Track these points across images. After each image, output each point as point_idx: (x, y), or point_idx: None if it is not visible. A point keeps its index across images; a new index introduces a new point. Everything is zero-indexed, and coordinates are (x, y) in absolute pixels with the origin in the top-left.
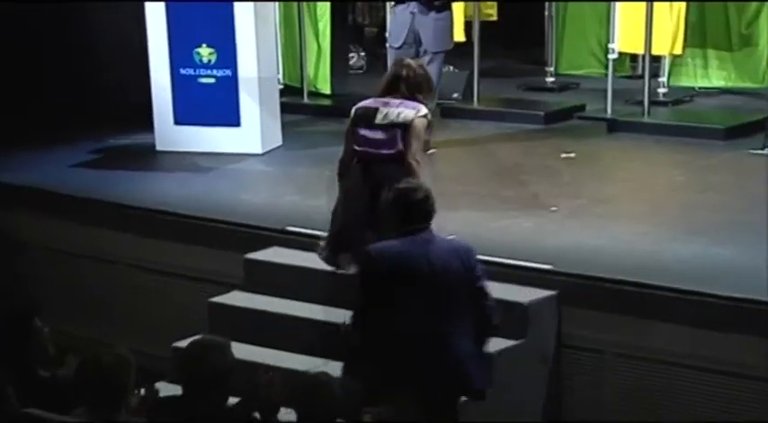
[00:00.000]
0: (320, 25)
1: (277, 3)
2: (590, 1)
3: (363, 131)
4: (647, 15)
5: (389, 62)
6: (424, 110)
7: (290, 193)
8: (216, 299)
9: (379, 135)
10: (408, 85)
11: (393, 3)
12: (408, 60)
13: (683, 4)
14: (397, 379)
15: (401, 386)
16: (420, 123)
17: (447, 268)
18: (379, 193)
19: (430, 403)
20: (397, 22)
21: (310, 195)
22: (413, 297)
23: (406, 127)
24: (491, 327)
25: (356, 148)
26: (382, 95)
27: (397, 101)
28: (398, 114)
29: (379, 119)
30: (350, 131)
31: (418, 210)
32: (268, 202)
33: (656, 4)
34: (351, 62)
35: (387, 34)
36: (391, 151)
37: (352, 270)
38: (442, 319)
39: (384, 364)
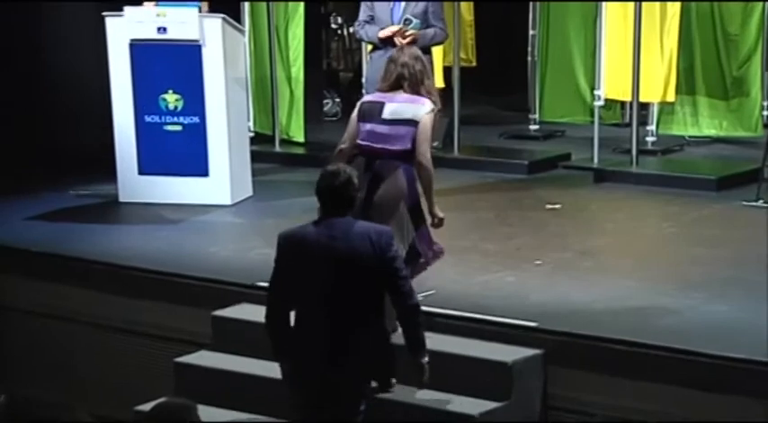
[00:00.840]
0: (293, 70)
1: (247, 46)
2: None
3: (369, 125)
4: (634, 60)
5: None
6: (429, 105)
7: (260, 247)
8: (182, 359)
9: (384, 130)
10: (411, 84)
11: (370, 48)
12: (404, 58)
13: (675, 49)
14: (306, 367)
15: (309, 374)
16: (428, 120)
17: (353, 253)
18: (377, 188)
19: (334, 390)
20: (374, 67)
21: None
22: (315, 282)
23: (414, 124)
24: (409, 307)
25: (360, 142)
26: (386, 91)
27: (404, 96)
28: (406, 111)
29: (386, 114)
30: (354, 123)
31: (335, 196)
32: (237, 256)
33: (645, 48)
34: (325, 109)
35: (363, 80)
36: (396, 147)
37: None
38: (346, 304)
39: (294, 352)
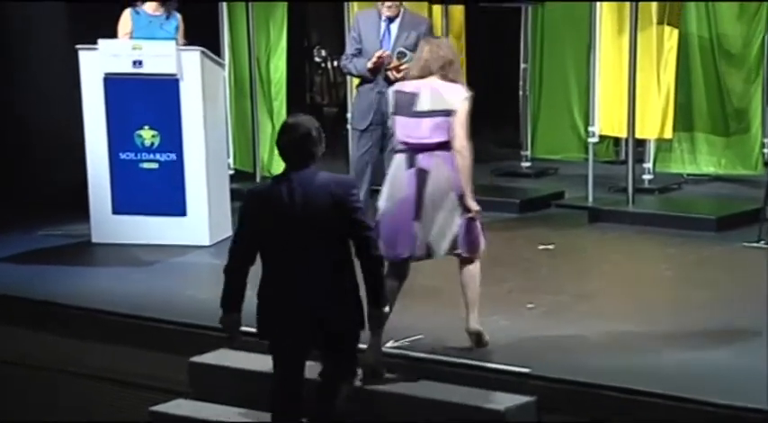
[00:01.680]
0: (275, 104)
1: (227, 80)
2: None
3: (404, 119)
4: (629, 95)
5: (351, 146)
6: (464, 91)
7: None
8: (157, 407)
9: (420, 123)
10: (443, 74)
11: (357, 82)
12: (435, 46)
13: (672, 83)
14: (272, 318)
15: (277, 325)
16: (465, 108)
17: (312, 203)
18: (425, 184)
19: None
20: (362, 102)
21: None
22: (280, 235)
23: (450, 113)
24: (372, 258)
25: (398, 138)
26: (417, 78)
27: (437, 83)
28: (441, 101)
29: (421, 106)
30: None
31: (294, 149)
32: (216, 299)
33: (641, 82)
34: None
35: (349, 115)
36: (434, 140)
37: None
38: (311, 256)
39: (264, 304)
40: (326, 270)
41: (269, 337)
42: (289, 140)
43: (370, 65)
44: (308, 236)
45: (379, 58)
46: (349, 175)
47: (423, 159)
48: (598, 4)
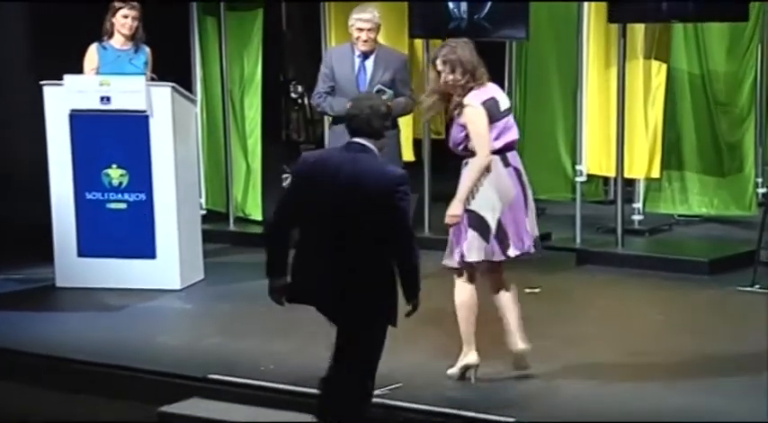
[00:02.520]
0: (249, 142)
1: (199, 117)
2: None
3: (498, 123)
4: (617, 133)
5: None
6: None
7: (212, 335)
8: None
9: (507, 123)
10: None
11: (331, 120)
12: (465, 50)
13: (660, 121)
14: (302, 289)
15: (309, 295)
16: None
17: (356, 183)
18: (524, 184)
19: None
20: (337, 140)
21: (235, 337)
22: (314, 205)
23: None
24: (406, 265)
25: (495, 141)
26: (476, 84)
27: (494, 85)
28: (506, 98)
29: (502, 107)
30: (487, 127)
31: (356, 123)
32: (187, 346)
33: (629, 120)
34: (284, 184)
35: None
36: (514, 137)
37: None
38: (338, 232)
39: (293, 271)
40: (356, 251)
41: (297, 302)
42: (356, 111)
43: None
44: (344, 214)
45: None
46: (403, 171)
47: (512, 158)
48: (584, 40)
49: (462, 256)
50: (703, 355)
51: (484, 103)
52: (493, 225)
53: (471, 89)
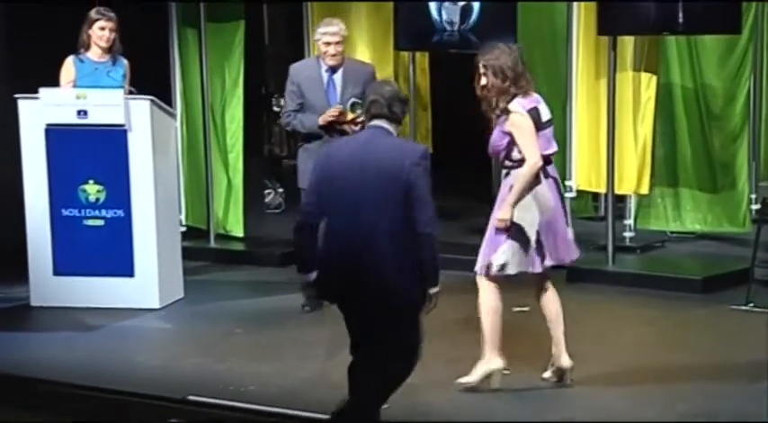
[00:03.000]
0: (231, 157)
1: (179, 131)
2: None
3: (539, 132)
4: (608, 148)
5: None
6: None
7: (192, 356)
8: None
9: (548, 134)
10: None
11: (300, 138)
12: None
13: (649, 137)
14: (327, 278)
15: (337, 288)
16: None
17: (376, 163)
18: (561, 192)
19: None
20: (310, 158)
21: (216, 358)
22: (337, 189)
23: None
24: (424, 235)
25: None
26: (519, 91)
27: (537, 95)
28: (547, 110)
29: (544, 117)
30: (534, 132)
31: (376, 108)
32: (166, 366)
33: (618, 134)
34: (266, 200)
35: (298, 175)
36: (551, 150)
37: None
38: (363, 215)
39: (322, 264)
40: (382, 234)
41: (327, 299)
42: (384, 92)
43: (322, 121)
44: (368, 195)
45: (339, 114)
46: (423, 146)
47: (551, 170)
48: (574, 53)
49: (489, 265)
50: (696, 375)
51: (529, 112)
52: (533, 238)
53: (515, 96)
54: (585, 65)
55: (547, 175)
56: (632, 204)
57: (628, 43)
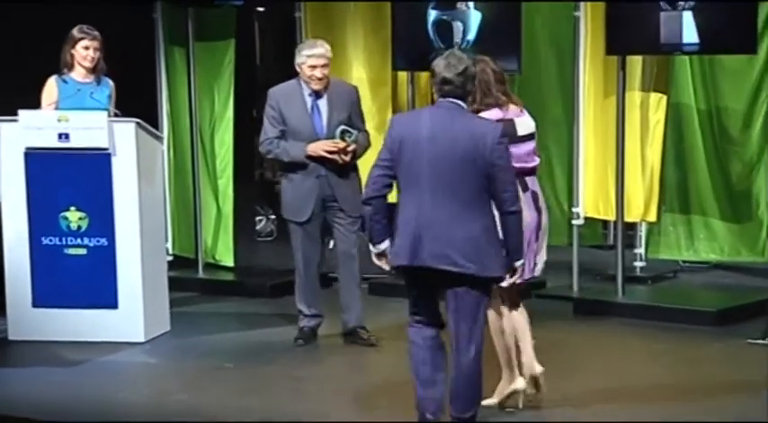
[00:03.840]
0: (220, 183)
1: (166, 155)
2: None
3: (512, 147)
4: (617, 173)
5: (294, 240)
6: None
7: (178, 392)
8: None
9: (524, 148)
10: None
11: (281, 168)
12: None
13: (658, 162)
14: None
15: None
16: None
17: (452, 139)
18: (539, 207)
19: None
20: (297, 190)
21: (203, 394)
22: (411, 163)
23: (534, 136)
24: (507, 213)
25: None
26: (493, 101)
27: (516, 108)
28: (530, 124)
29: (520, 131)
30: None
31: (449, 87)
32: (151, 404)
33: (626, 162)
34: (258, 227)
35: (282, 206)
36: (532, 164)
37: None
38: (438, 188)
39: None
40: (462, 209)
41: (397, 269)
42: (457, 70)
43: (313, 152)
44: (445, 170)
45: (331, 149)
46: (500, 125)
47: (531, 182)
48: (581, 73)
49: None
50: (709, 415)
51: (501, 122)
52: (528, 237)
53: (490, 106)
54: (593, 85)
55: (526, 188)
56: (643, 232)
57: (636, 62)
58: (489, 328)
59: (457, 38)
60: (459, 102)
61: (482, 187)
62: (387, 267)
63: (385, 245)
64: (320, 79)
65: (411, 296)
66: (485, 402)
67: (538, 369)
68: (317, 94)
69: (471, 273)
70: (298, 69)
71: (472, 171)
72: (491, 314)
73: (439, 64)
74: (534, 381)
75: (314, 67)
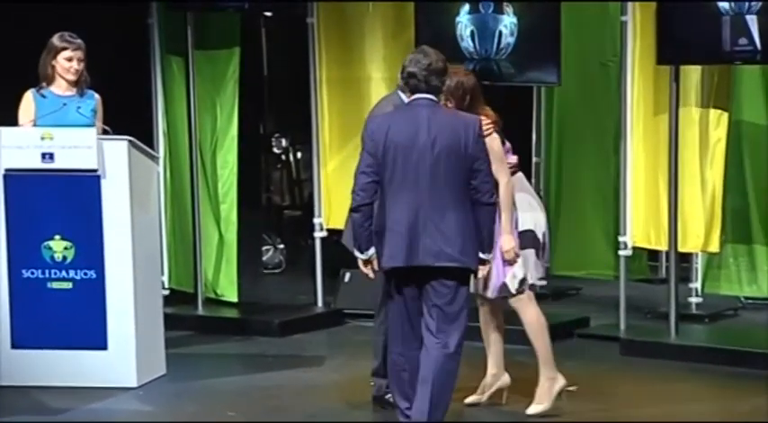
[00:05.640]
0: (223, 208)
1: (162, 177)
2: None
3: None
4: (670, 198)
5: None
6: None
7: None
8: None
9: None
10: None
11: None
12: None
13: (720, 184)
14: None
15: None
16: None
17: (435, 134)
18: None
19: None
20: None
21: None
22: (395, 162)
23: None
24: (484, 205)
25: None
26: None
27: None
28: None
29: None
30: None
31: (426, 74)
32: None
33: (682, 182)
34: (265, 258)
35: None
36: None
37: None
38: (433, 189)
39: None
40: (448, 204)
41: (388, 272)
42: (421, 65)
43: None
44: (432, 166)
45: None
46: (474, 117)
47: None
48: (629, 86)
49: (503, 285)
50: None
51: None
52: (541, 239)
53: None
54: (642, 99)
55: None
56: (699, 265)
57: (693, 74)
58: (528, 327)
59: (491, 45)
60: (432, 96)
61: (465, 181)
62: (372, 274)
63: (372, 251)
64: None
65: (398, 306)
66: (532, 410)
67: (507, 379)
68: None
69: (468, 266)
70: (401, 83)
71: (456, 166)
72: (534, 312)
73: (406, 58)
74: (501, 392)
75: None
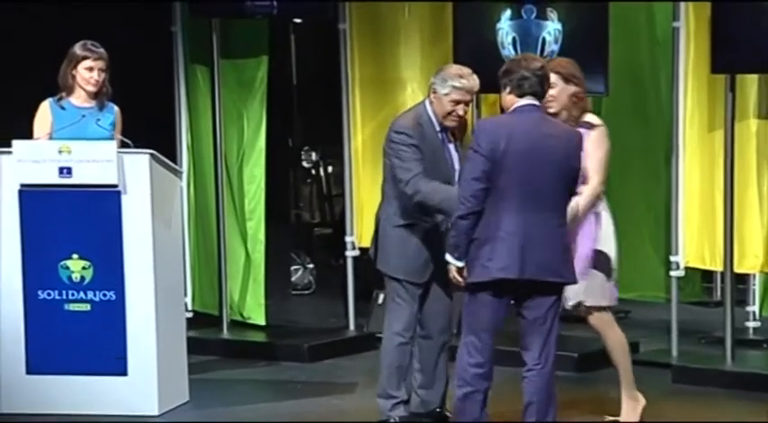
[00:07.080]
0: (250, 225)
1: (185, 193)
2: None
3: None
4: (725, 215)
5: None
6: None
7: None
8: None
9: None
10: None
11: (407, 216)
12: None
13: None
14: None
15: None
16: None
17: (555, 151)
18: None
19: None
20: (414, 244)
21: None
22: (512, 169)
23: None
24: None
25: None
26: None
27: None
28: None
29: None
30: None
31: (542, 79)
32: None
33: (738, 199)
34: (294, 278)
35: (385, 257)
36: None
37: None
38: (539, 202)
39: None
40: (549, 215)
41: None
42: (527, 71)
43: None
44: (538, 178)
45: None
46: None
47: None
48: (681, 96)
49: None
50: None
51: None
52: (615, 263)
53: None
54: (697, 110)
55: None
56: (756, 286)
57: (751, 84)
58: (611, 346)
59: (534, 53)
60: (537, 102)
61: (565, 192)
62: (463, 282)
63: (463, 263)
64: (459, 118)
65: (486, 318)
66: None
67: None
68: (445, 131)
69: (571, 282)
70: (431, 95)
71: (560, 177)
72: (617, 331)
73: (513, 61)
74: None
75: (458, 102)
